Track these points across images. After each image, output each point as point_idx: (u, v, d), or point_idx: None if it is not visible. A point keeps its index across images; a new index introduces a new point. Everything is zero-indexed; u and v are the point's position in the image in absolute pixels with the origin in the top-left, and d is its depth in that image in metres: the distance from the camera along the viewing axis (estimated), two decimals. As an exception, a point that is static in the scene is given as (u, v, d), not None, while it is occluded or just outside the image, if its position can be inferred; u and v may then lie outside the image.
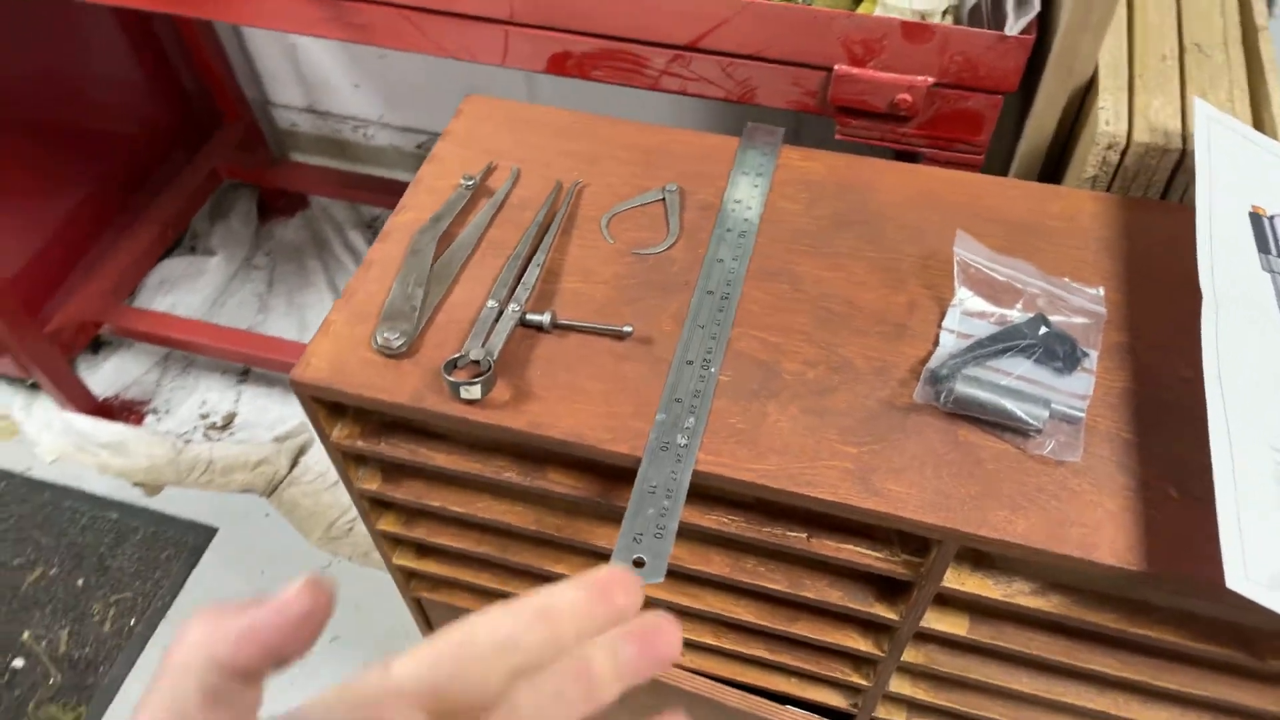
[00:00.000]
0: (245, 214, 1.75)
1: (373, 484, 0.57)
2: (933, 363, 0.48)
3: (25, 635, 1.28)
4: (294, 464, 1.44)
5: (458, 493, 0.56)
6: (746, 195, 0.58)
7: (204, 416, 1.52)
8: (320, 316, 1.62)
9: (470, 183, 0.58)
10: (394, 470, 0.57)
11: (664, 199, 0.58)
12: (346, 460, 0.55)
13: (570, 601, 0.25)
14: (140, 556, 1.36)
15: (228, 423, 1.51)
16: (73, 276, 1.47)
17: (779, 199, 0.58)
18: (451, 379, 0.48)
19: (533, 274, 0.54)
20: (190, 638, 0.24)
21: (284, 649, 0.24)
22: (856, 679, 0.59)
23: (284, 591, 0.24)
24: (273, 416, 1.51)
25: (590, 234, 0.57)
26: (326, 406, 0.52)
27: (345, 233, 1.74)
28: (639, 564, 0.43)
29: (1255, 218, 0.51)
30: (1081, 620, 0.47)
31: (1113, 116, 0.57)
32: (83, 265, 1.49)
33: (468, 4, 0.66)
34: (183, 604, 1.31)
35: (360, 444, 0.53)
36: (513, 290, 0.53)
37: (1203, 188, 0.50)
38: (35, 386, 1.50)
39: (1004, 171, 0.68)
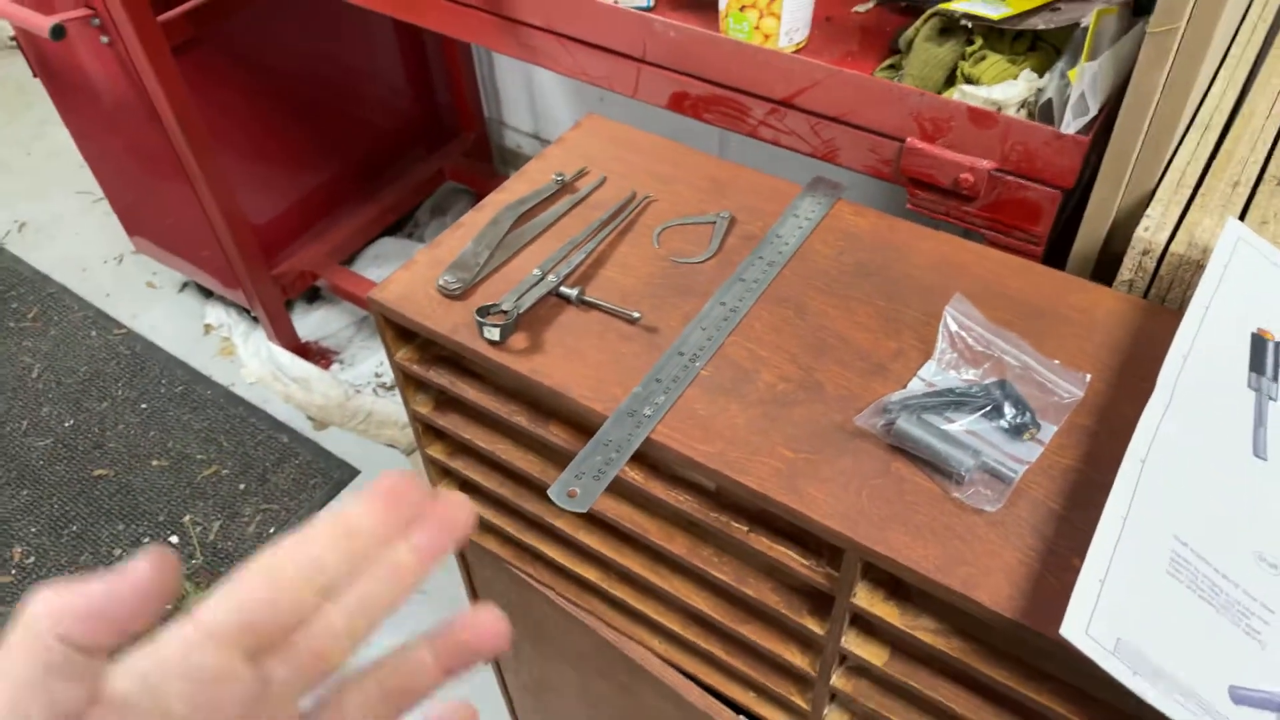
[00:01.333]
0: (459, 214, 1.98)
1: (425, 408, 0.68)
2: (889, 397, 0.52)
3: (186, 518, 1.52)
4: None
5: (485, 430, 0.66)
6: (789, 233, 0.65)
7: (378, 375, 1.72)
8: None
9: (560, 179, 0.69)
10: (443, 401, 0.68)
11: (715, 223, 0.66)
12: (407, 381, 0.67)
13: (362, 514, 0.26)
14: (294, 478, 1.56)
15: (394, 386, 1.71)
16: (307, 234, 1.74)
17: (816, 242, 0.64)
18: (479, 319, 0.57)
19: (579, 257, 0.63)
20: (35, 611, 0.23)
21: (128, 623, 0.23)
22: (799, 701, 0.62)
23: (128, 566, 0.23)
24: (431, 389, 1.69)
25: (642, 238, 0.65)
26: (396, 329, 0.64)
27: (537, 246, 1.92)
28: (572, 495, 0.51)
29: (1258, 340, 0.51)
30: (977, 670, 0.49)
31: (1154, 225, 0.58)
32: (318, 227, 1.75)
33: (610, 39, 0.78)
34: (312, 525, 1.49)
35: (415, 367, 0.64)
36: (557, 264, 0.62)
37: (1203, 293, 0.51)
38: (256, 319, 1.77)
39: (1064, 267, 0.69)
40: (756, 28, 0.74)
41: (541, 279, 0.61)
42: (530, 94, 1.87)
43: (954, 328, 0.55)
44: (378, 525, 0.26)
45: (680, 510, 0.56)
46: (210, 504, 1.53)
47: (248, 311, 1.79)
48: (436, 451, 0.71)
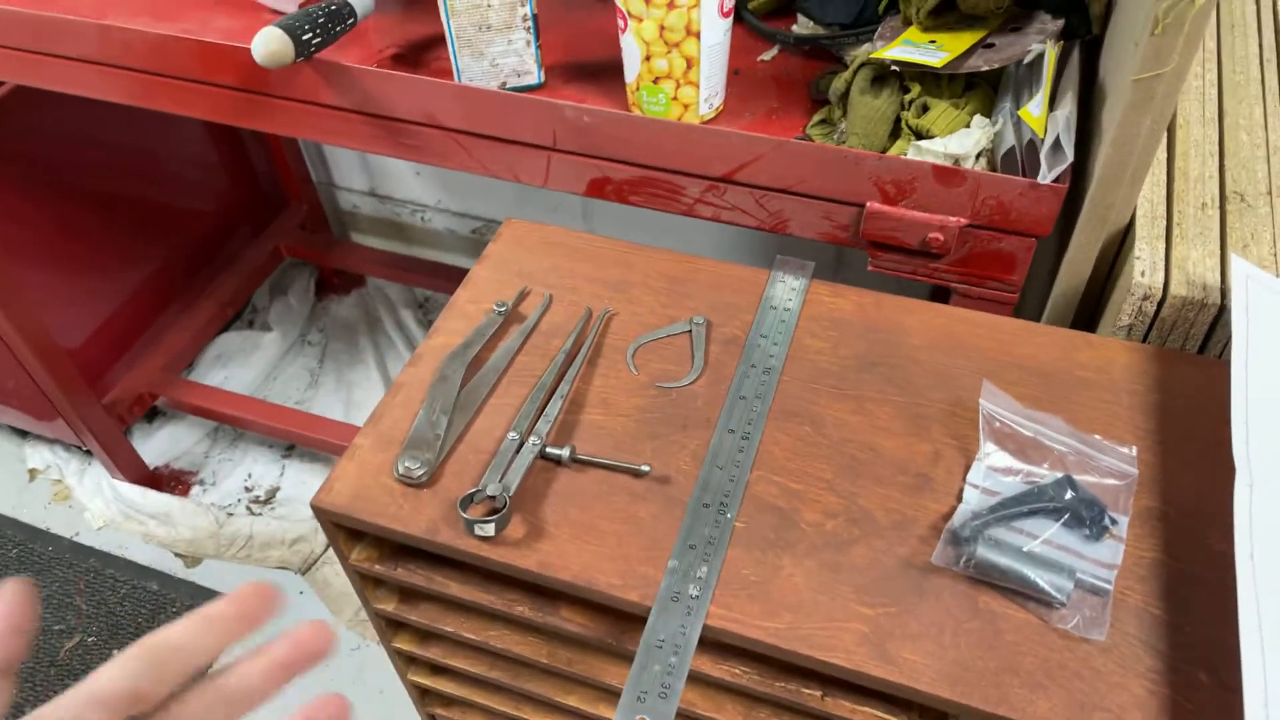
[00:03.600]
0: (303, 291, 1.81)
1: (389, 605, 0.57)
2: (955, 521, 0.47)
3: (57, 703, 1.30)
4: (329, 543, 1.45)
5: (472, 619, 0.56)
6: (773, 331, 0.58)
7: (248, 489, 1.55)
8: (367, 395, 1.65)
9: (503, 309, 0.60)
10: (410, 592, 0.57)
11: (690, 331, 0.59)
12: (364, 581, 0.56)
13: (221, 611, 0.32)
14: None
15: (270, 497, 1.54)
16: (134, 348, 1.53)
17: (805, 336, 0.58)
18: (467, 516, 0.48)
19: (555, 405, 0.54)
20: None
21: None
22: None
23: None
24: (313, 493, 1.53)
25: (616, 364, 0.57)
26: (346, 529, 0.53)
27: (398, 311, 1.78)
28: (641, 724, 0.42)
29: (1300, 384, 0.50)
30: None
31: (1149, 268, 0.56)
32: (144, 337, 1.54)
33: (514, 130, 0.69)
34: (211, 680, 1.31)
35: (378, 568, 0.53)
36: (534, 422, 0.53)
37: (1239, 352, 0.49)
38: (88, 453, 1.55)
39: (1038, 311, 0.67)
40: (674, 98, 0.67)
41: (521, 444, 0.52)
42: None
43: (995, 423, 0.51)
44: (230, 620, 0.32)
45: (737, 684, 0.49)
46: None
47: (77, 446, 1.56)
48: (404, 643, 0.61)
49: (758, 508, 0.50)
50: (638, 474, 0.51)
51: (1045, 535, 0.46)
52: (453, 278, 1.67)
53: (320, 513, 0.51)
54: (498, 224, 1.72)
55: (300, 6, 0.81)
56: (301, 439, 1.46)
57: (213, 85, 0.76)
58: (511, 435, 0.52)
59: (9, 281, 1.25)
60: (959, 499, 0.49)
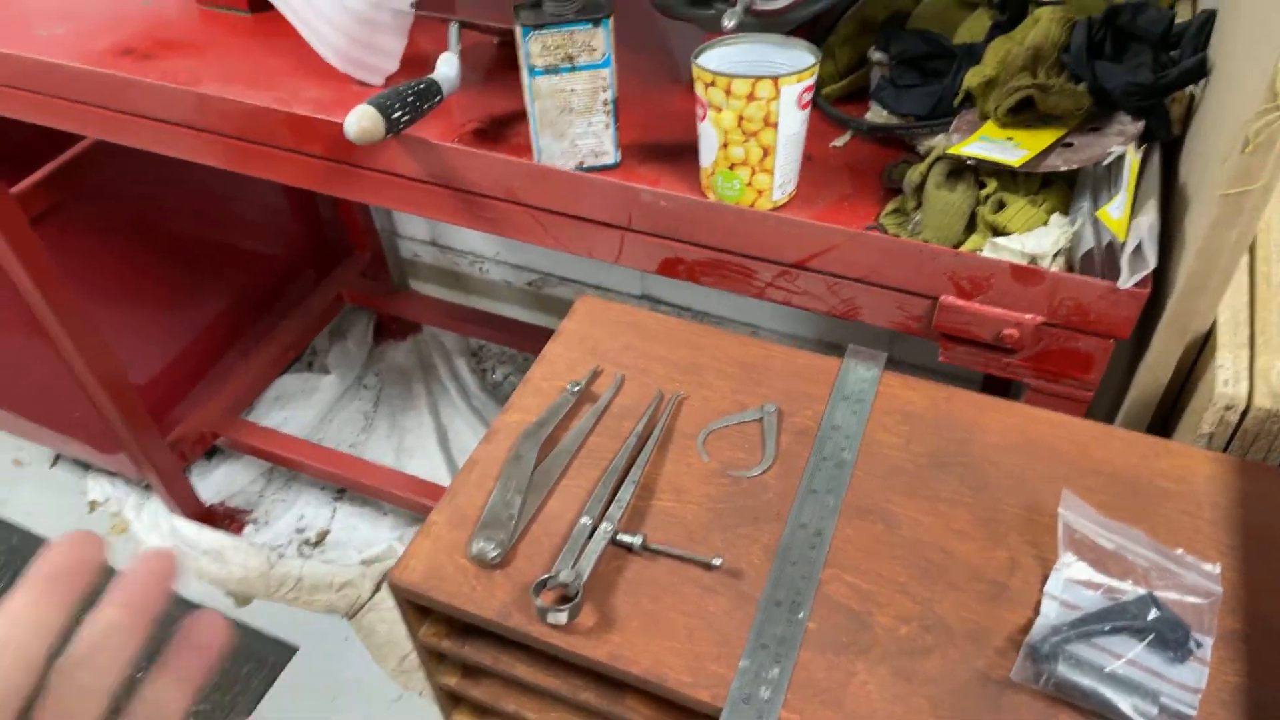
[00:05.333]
0: (361, 335, 1.84)
1: (452, 679, 0.57)
2: (1033, 636, 0.46)
3: (104, 738, 1.31)
4: (376, 589, 1.46)
5: (534, 699, 0.56)
6: (845, 422, 0.58)
7: (299, 531, 1.57)
8: (419, 441, 1.67)
9: (575, 388, 0.61)
10: (474, 669, 0.57)
11: (762, 419, 0.59)
12: (430, 654, 0.56)
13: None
14: (222, 669, 1.38)
15: (320, 539, 1.56)
16: (198, 387, 1.57)
17: (878, 430, 0.58)
18: (540, 603, 0.48)
19: (627, 490, 0.55)
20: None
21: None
22: None
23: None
24: (361, 537, 1.55)
25: (686, 450, 0.58)
26: (416, 605, 0.53)
27: (452, 360, 1.81)
28: (710, 830, 0.42)
29: (1390, 507, 0.48)
30: None
31: (1232, 377, 0.55)
32: (209, 376, 1.59)
33: (590, 210, 0.70)
34: (254, 724, 1.32)
35: (445, 644, 0.54)
36: (606, 506, 0.54)
37: (1331, 473, 0.48)
38: (148, 487, 1.58)
39: (1109, 410, 0.66)
40: (749, 185, 0.68)
41: (594, 529, 0.52)
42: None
43: (1075, 534, 0.50)
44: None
45: (803, 785, 0.48)
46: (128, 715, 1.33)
47: (137, 481, 1.60)
48: (464, 716, 0.61)
49: (830, 608, 0.49)
50: (709, 567, 0.51)
51: (1128, 655, 0.45)
52: (508, 328, 1.70)
53: (397, 590, 0.51)
54: (554, 278, 1.75)
55: (386, 81, 0.84)
56: (353, 484, 1.48)
57: (302, 154, 0.79)
58: (584, 520, 0.53)
59: (83, 318, 1.29)
60: (1036, 611, 0.48)
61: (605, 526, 0.52)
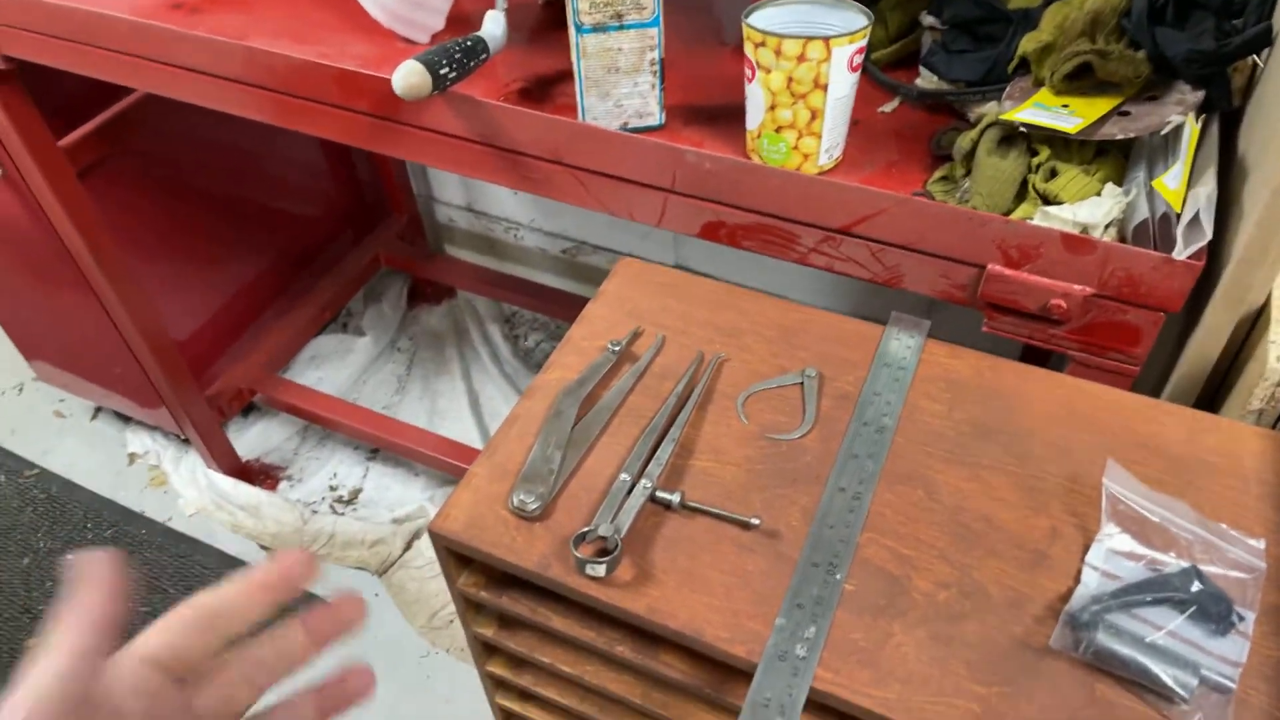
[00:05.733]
0: (396, 299, 1.86)
1: (488, 629, 0.58)
2: (1073, 604, 0.46)
3: (142, 682, 1.35)
4: (407, 547, 1.48)
5: (569, 652, 0.57)
6: (886, 389, 0.58)
7: (333, 489, 1.59)
8: (451, 404, 1.69)
9: (616, 348, 0.61)
10: (510, 619, 0.58)
11: (802, 383, 0.59)
12: (467, 604, 0.57)
13: (263, 577, 0.35)
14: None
15: (353, 497, 1.58)
16: (237, 344, 1.59)
17: (919, 397, 0.58)
18: (579, 554, 0.49)
19: (666, 449, 0.55)
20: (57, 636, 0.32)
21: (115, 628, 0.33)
22: None
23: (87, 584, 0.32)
24: (394, 496, 1.57)
25: (726, 412, 0.58)
26: (454, 554, 0.54)
27: (485, 325, 1.82)
28: (744, 782, 0.42)
29: None
30: None
31: (1286, 353, 0.54)
32: (247, 334, 1.61)
33: (634, 171, 0.70)
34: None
35: (483, 594, 0.55)
36: (645, 464, 0.54)
37: (1387, 451, 0.47)
38: (186, 441, 1.61)
39: (1154, 384, 0.65)
40: (795, 148, 0.67)
41: (633, 485, 0.53)
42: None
43: (1119, 505, 0.50)
44: (270, 587, 0.35)
45: (834, 744, 0.49)
46: (164, 663, 1.37)
47: (176, 435, 1.63)
48: (498, 667, 0.62)
49: (868, 571, 0.49)
50: (747, 526, 0.51)
51: (1170, 627, 0.45)
52: (541, 295, 1.70)
53: (437, 538, 0.52)
54: (588, 246, 1.75)
55: (433, 38, 0.84)
56: (386, 444, 1.50)
57: (348, 110, 0.80)
58: (624, 476, 0.53)
59: (127, 272, 1.31)
60: (1076, 580, 0.48)
61: (644, 483, 0.53)
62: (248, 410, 1.69)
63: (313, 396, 1.55)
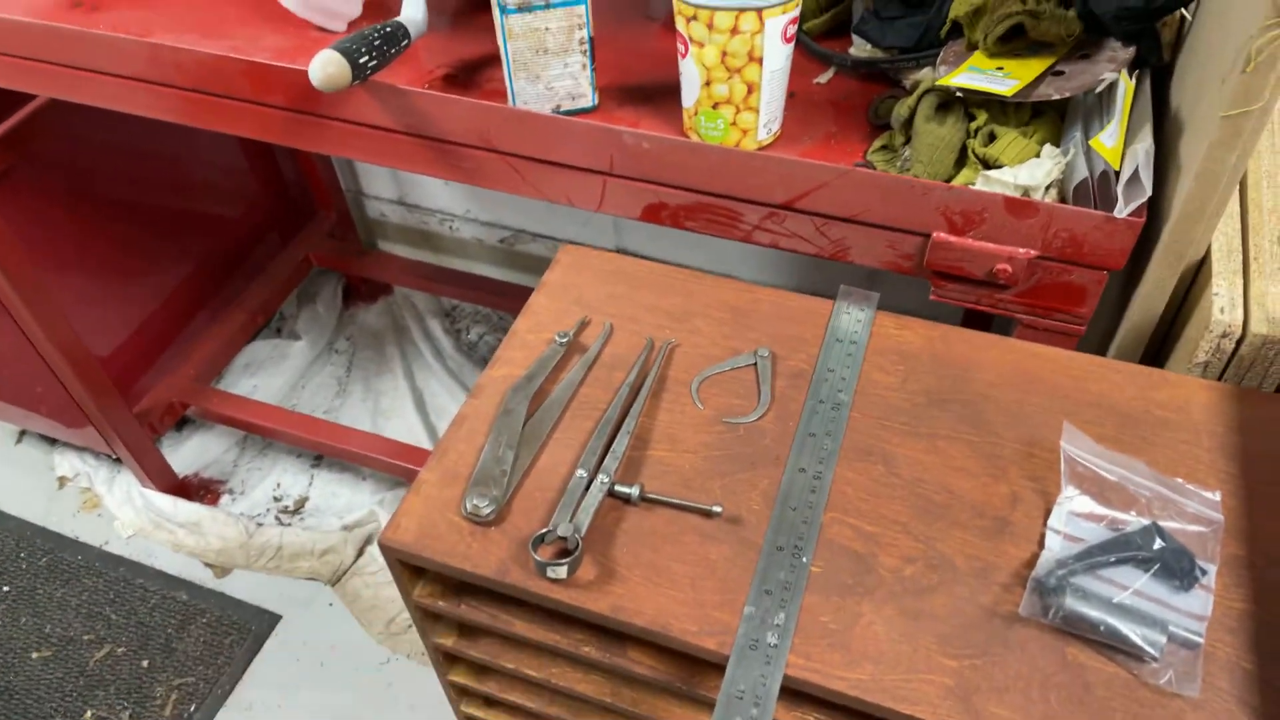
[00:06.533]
0: (330, 299, 1.80)
1: (448, 640, 0.56)
2: (1039, 570, 0.46)
3: (88, 714, 1.30)
4: (359, 553, 1.45)
5: (533, 656, 0.55)
6: (839, 365, 0.57)
7: (277, 499, 1.54)
8: (395, 404, 1.65)
9: (564, 339, 0.59)
10: (471, 627, 0.56)
11: (756, 364, 0.58)
12: (425, 615, 0.55)
13: None
14: (205, 640, 1.37)
15: (299, 506, 1.53)
16: (164, 356, 1.53)
17: (873, 370, 0.57)
18: (539, 558, 0.47)
19: (622, 442, 0.53)
20: None
21: None
22: None
23: None
24: (342, 503, 1.53)
25: (680, 398, 0.56)
26: (409, 565, 0.52)
27: (425, 321, 1.78)
28: (723, 778, 0.41)
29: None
30: None
31: (1227, 304, 0.55)
32: (175, 345, 1.54)
33: (570, 156, 0.68)
34: (241, 693, 1.31)
35: (441, 604, 0.53)
36: (601, 458, 0.53)
37: (1331, 397, 0.47)
38: (118, 461, 1.55)
39: (1099, 343, 0.66)
40: (733, 124, 0.66)
41: (590, 481, 0.51)
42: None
43: (1077, 466, 0.49)
44: None
45: (810, 729, 0.48)
46: (112, 692, 1.32)
47: (107, 454, 1.56)
48: (461, 676, 0.60)
49: (833, 551, 0.49)
50: (709, 514, 0.50)
51: (1135, 586, 0.45)
52: (481, 287, 1.67)
53: (388, 551, 0.50)
54: (526, 234, 1.72)
55: (350, 26, 0.81)
56: (330, 450, 1.45)
57: (263, 105, 0.76)
58: (580, 473, 0.51)
59: (41, 288, 1.25)
60: (1040, 544, 0.48)
61: (601, 478, 0.51)
62: (181, 424, 1.63)
63: (249, 405, 1.50)
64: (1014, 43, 0.64)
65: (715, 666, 0.48)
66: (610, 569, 0.48)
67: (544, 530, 0.49)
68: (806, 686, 0.44)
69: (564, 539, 0.48)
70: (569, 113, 0.71)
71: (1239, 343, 0.55)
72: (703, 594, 0.47)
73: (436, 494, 0.52)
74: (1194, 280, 0.60)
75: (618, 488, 0.51)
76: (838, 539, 0.49)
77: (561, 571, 0.47)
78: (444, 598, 0.53)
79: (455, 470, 0.53)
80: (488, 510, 0.50)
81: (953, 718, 0.42)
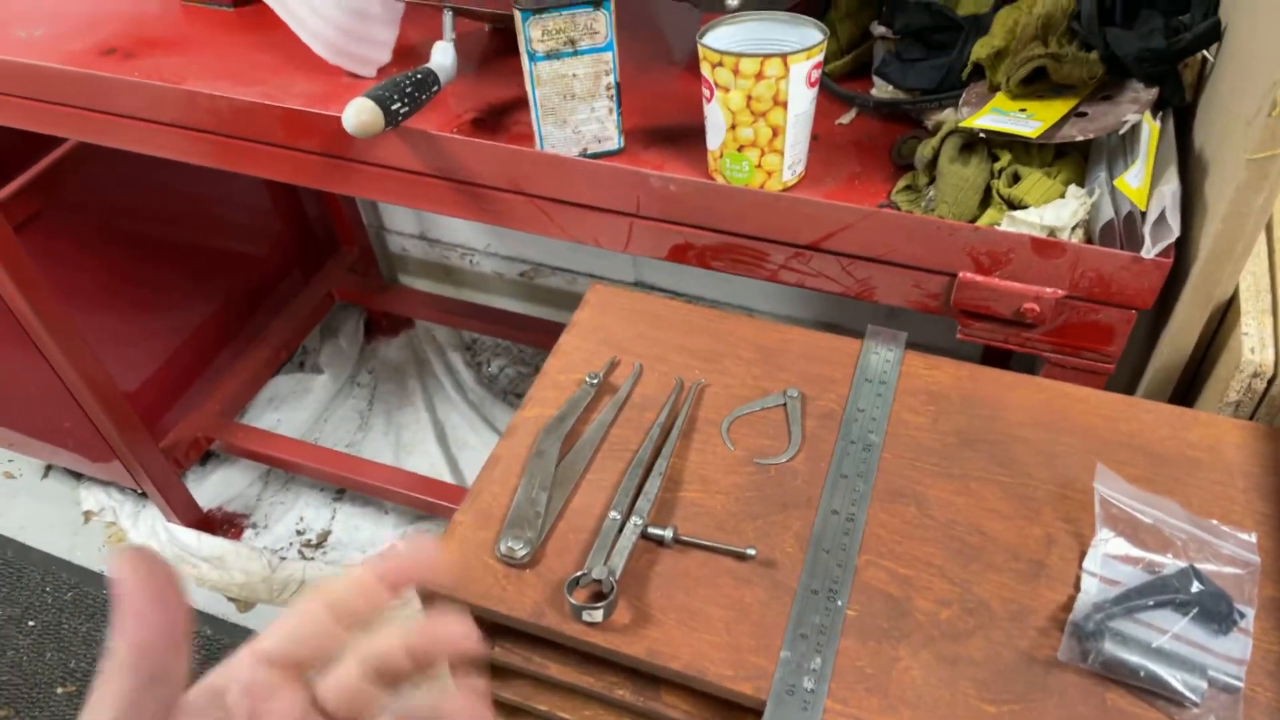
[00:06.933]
0: (352, 333, 1.82)
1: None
2: (1076, 614, 0.46)
3: (112, 750, 1.30)
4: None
5: (566, 698, 0.55)
6: (869, 405, 0.58)
7: (300, 533, 1.55)
8: (416, 437, 1.65)
9: (594, 381, 0.59)
10: (503, 669, 0.56)
11: (785, 404, 0.58)
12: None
13: (373, 575, 0.33)
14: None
15: (322, 541, 1.54)
16: (189, 392, 1.55)
17: (903, 410, 0.57)
18: (574, 601, 0.47)
19: (654, 483, 0.54)
20: (121, 650, 0.29)
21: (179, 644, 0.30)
22: None
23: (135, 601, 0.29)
24: (365, 537, 1.54)
25: (710, 438, 0.57)
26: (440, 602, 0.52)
27: (446, 354, 1.79)
28: (763, 826, 0.41)
29: None
30: None
31: (1258, 344, 0.55)
32: (200, 381, 1.56)
33: (598, 198, 0.69)
34: (264, 729, 1.31)
35: (474, 646, 0.53)
36: (634, 500, 0.53)
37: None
38: (144, 495, 1.56)
39: (1128, 381, 0.66)
40: (758, 166, 0.67)
41: (623, 523, 0.51)
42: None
43: (1112, 508, 0.49)
44: (382, 579, 0.33)
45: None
46: (134, 728, 1.32)
47: (132, 489, 1.57)
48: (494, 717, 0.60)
49: (868, 594, 0.49)
50: (743, 557, 0.50)
51: (1174, 630, 0.45)
52: (501, 320, 1.68)
53: (424, 595, 0.50)
54: (546, 268, 1.73)
55: (379, 72, 0.82)
56: (352, 483, 1.46)
57: (296, 150, 0.77)
58: (613, 515, 0.52)
59: (70, 326, 1.27)
60: (1076, 587, 0.48)
61: (634, 521, 0.51)
62: (206, 459, 1.64)
63: (273, 440, 1.51)
64: (1036, 85, 0.64)
65: (751, 711, 0.48)
66: (645, 612, 0.48)
67: (579, 573, 0.49)
68: (844, 732, 0.44)
69: (599, 581, 0.48)
70: (595, 155, 0.72)
71: (1270, 382, 0.55)
72: (738, 638, 0.47)
73: (471, 536, 0.52)
74: (1222, 320, 0.60)
75: (651, 530, 0.51)
76: (872, 582, 0.49)
77: (597, 615, 0.47)
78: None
79: (489, 511, 0.53)
80: (522, 553, 0.50)
81: (993, 765, 0.42)
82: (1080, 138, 0.61)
